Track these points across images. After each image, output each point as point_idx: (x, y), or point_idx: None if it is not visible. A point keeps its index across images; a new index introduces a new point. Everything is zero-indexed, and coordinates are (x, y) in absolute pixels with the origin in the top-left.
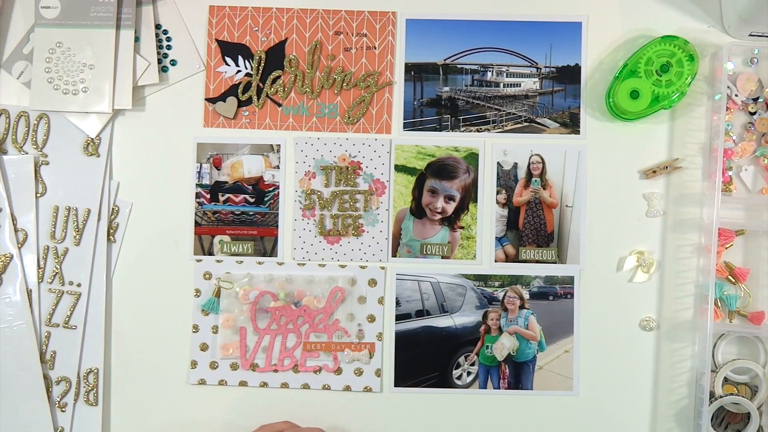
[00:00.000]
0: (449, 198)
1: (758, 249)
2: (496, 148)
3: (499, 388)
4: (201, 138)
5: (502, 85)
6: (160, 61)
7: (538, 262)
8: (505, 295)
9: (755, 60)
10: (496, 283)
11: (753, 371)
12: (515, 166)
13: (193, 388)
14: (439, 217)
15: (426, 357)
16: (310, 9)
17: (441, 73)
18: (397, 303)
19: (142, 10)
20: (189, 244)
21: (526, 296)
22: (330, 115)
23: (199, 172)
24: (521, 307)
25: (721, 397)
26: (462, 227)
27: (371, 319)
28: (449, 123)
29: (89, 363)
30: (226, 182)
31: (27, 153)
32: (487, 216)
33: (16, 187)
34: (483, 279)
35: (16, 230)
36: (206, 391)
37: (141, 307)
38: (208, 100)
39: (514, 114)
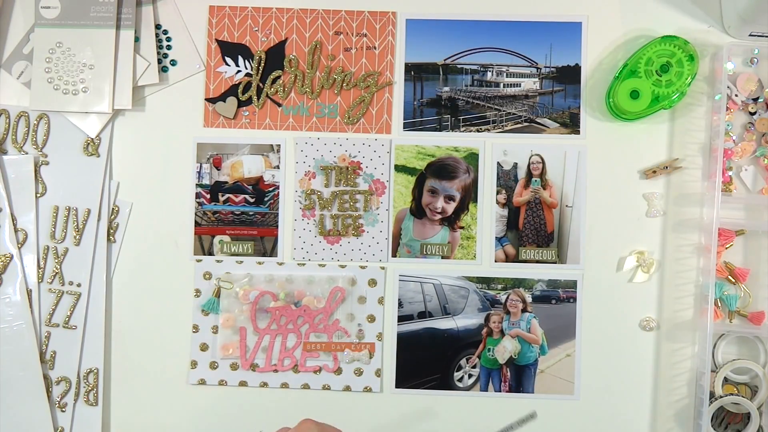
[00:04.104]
0: (449, 198)
1: (758, 249)
2: (496, 148)
3: (500, 391)
4: (201, 138)
5: (502, 85)
6: (160, 61)
7: (538, 262)
8: (507, 298)
9: (755, 60)
10: (499, 286)
11: (753, 371)
12: (515, 166)
13: (193, 388)
14: (439, 217)
15: (427, 359)
16: (310, 9)
17: (441, 73)
18: (400, 304)
19: (142, 10)
20: (189, 244)
21: (529, 299)
22: (330, 115)
23: (199, 172)
24: (524, 310)
25: (721, 397)
26: (462, 227)
27: (371, 319)
28: (449, 123)
29: (89, 363)
30: (226, 182)
31: (27, 153)
32: (487, 216)
33: (16, 187)
34: (486, 281)
35: (16, 230)
36: (206, 391)
37: (141, 307)
38: (208, 100)
39: (514, 114)
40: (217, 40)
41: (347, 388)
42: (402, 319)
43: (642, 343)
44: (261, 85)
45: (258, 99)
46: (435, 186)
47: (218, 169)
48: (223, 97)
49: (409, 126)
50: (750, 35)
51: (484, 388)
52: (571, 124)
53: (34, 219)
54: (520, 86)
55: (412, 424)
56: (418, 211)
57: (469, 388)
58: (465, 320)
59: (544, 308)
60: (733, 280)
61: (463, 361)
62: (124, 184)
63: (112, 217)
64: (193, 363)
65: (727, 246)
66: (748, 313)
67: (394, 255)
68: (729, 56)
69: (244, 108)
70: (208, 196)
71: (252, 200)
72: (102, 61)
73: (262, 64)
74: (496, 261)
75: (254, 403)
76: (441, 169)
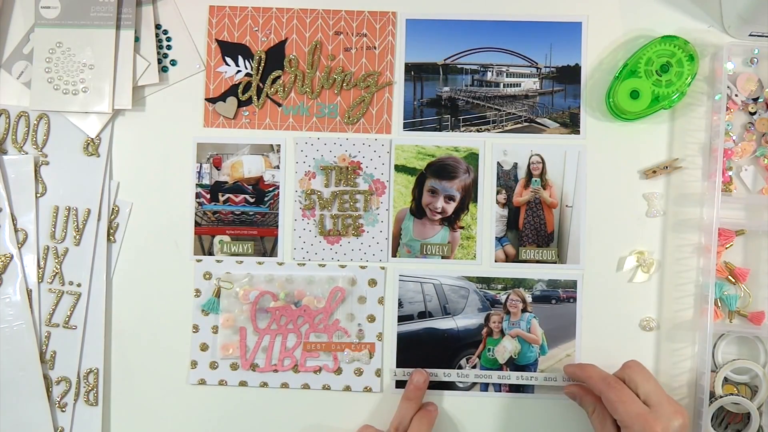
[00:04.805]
0: (449, 198)
1: (758, 249)
2: (496, 148)
3: (501, 391)
4: (201, 138)
5: (502, 85)
6: (160, 61)
7: (538, 262)
8: (507, 298)
9: (755, 60)
10: (499, 286)
11: (753, 371)
12: (515, 166)
13: (193, 388)
14: (439, 217)
15: (427, 359)
16: (310, 9)
17: (441, 73)
18: (400, 304)
19: (142, 10)
20: (189, 244)
21: (529, 299)
22: (330, 115)
23: (199, 172)
24: (524, 310)
25: (721, 397)
26: (462, 227)
27: (371, 319)
28: (449, 123)
29: (89, 363)
30: (226, 182)
31: (27, 153)
32: (487, 216)
33: (16, 187)
34: (486, 281)
35: (16, 230)
36: (206, 391)
37: (141, 307)
38: (208, 100)
39: (514, 114)
40: (217, 40)
41: (347, 388)
42: (402, 319)
43: (642, 343)
44: (261, 85)
45: (258, 99)
46: (435, 186)
47: (218, 169)
48: (223, 97)
49: (409, 126)
50: (750, 35)
51: (484, 388)
52: (571, 124)
53: (34, 219)
54: (520, 86)
55: None
56: (418, 211)
57: (469, 388)
58: (465, 320)
59: (544, 308)
60: (733, 280)
61: (463, 361)
62: (124, 184)
63: (112, 217)
64: (193, 363)
65: (727, 246)
66: (748, 313)
67: (394, 255)
68: (729, 56)
69: (244, 108)
70: (208, 196)
71: (252, 200)
72: (102, 61)
73: (262, 64)
74: (496, 261)
75: (254, 403)
76: (441, 169)
